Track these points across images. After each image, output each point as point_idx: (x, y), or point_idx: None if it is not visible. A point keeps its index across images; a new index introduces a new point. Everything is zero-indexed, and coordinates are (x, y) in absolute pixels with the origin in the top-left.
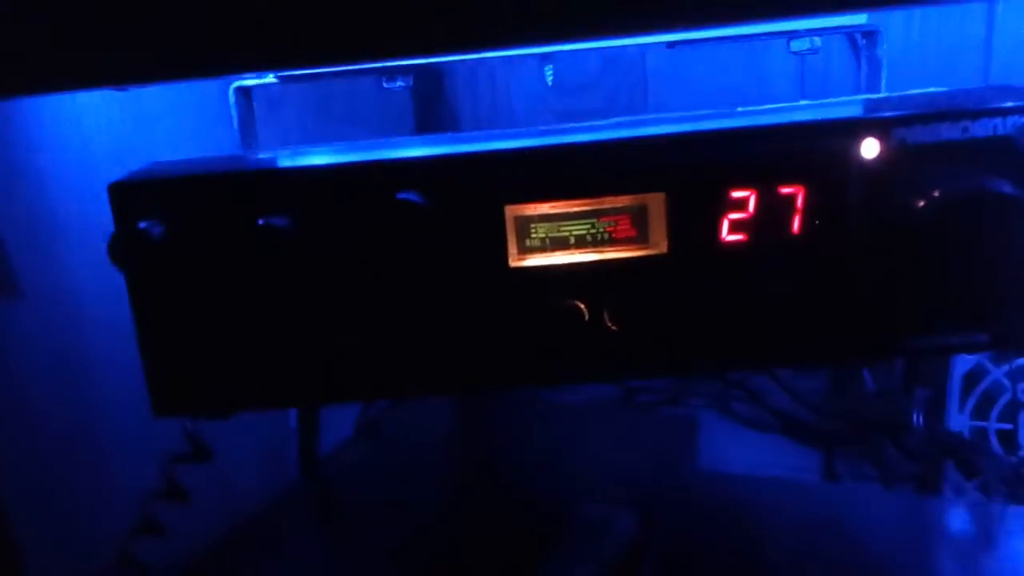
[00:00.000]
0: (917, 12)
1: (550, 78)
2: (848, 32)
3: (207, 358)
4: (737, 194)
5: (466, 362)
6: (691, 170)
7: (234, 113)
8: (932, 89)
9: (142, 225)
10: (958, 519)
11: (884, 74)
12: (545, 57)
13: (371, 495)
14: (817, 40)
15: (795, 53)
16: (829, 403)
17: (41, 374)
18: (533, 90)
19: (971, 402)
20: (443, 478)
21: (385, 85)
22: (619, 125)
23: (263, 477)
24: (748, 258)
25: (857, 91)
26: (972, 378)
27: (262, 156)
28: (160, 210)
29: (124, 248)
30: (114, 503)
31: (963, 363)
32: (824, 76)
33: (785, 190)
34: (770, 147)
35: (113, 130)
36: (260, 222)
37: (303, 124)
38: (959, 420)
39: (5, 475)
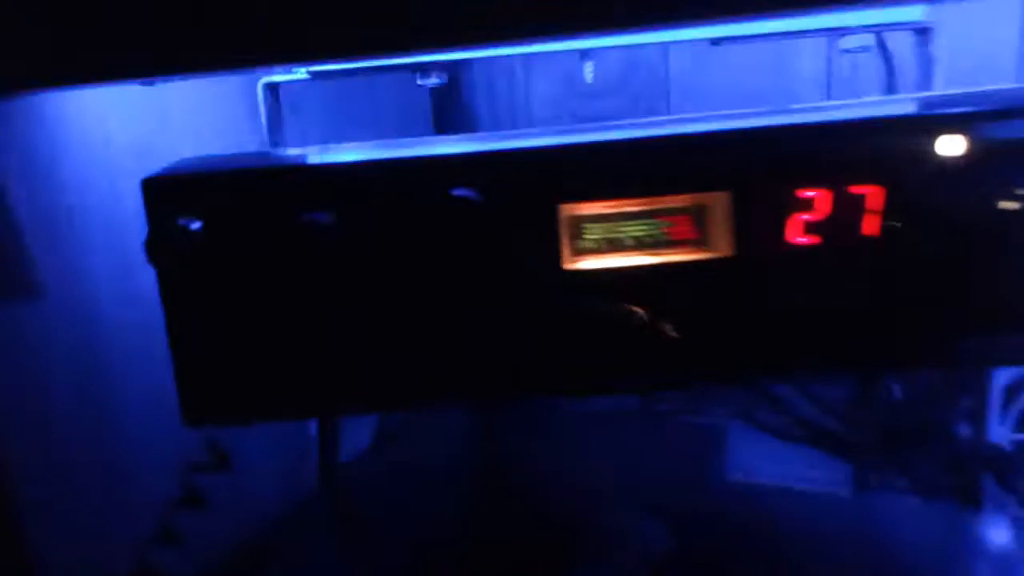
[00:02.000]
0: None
1: (590, 75)
2: (902, 29)
3: (244, 363)
4: (808, 193)
5: (516, 368)
6: (759, 168)
7: (263, 110)
8: (987, 87)
9: (180, 222)
10: (999, 534)
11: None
12: (584, 53)
13: (389, 505)
14: (869, 38)
15: (845, 51)
16: (855, 412)
17: (60, 377)
18: (552, 93)
19: (1013, 414)
20: (462, 489)
21: (419, 82)
22: (679, 120)
23: (282, 486)
24: (817, 261)
25: (886, 94)
26: (1014, 389)
27: (298, 152)
28: (198, 206)
29: (161, 245)
30: (132, 510)
31: (1005, 374)
32: (850, 80)
33: (859, 189)
34: (846, 144)
35: (135, 128)
36: (301, 219)
37: (323, 124)
38: (999, 432)
39: (22, 481)
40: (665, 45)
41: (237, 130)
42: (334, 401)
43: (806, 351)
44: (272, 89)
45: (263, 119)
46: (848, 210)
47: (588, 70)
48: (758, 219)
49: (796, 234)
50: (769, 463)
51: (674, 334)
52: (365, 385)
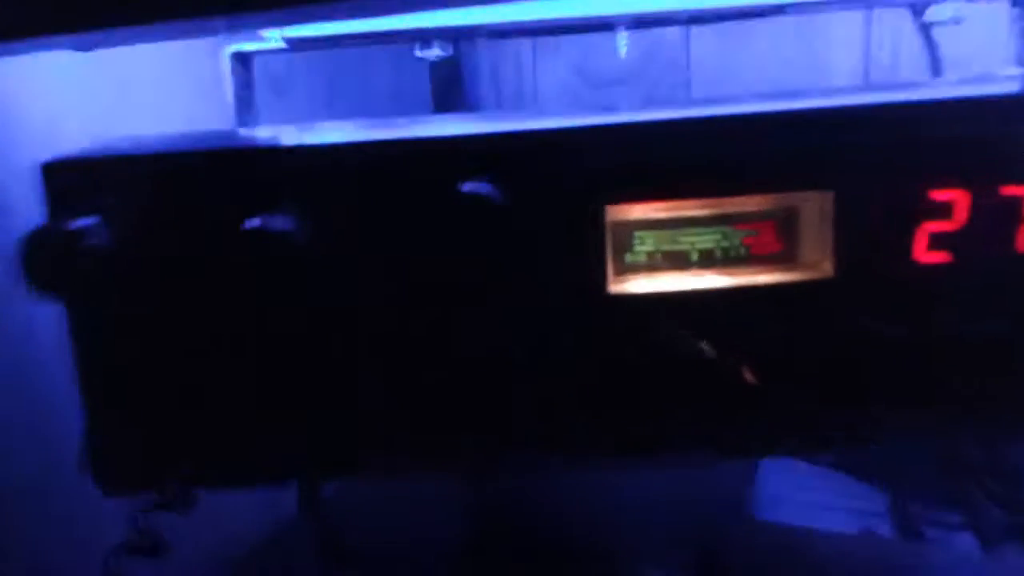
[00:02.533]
0: None
1: (624, 48)
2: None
3: (177, 414)
4: (941, 196)
5: (547, 425)
6: (878, 159)
7: (229, 83)
8: None
9: (80, 224)
10: None
11: None
12: (612, 26)
13: (380, 545)
14: (962, 7)
15: (929, 24)
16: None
17: None
18: (562, 81)
19: None
20: (463, 527)
21: (419, 54)
22: (760, 96)
23: (257, 518)
24: (951, 286)
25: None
26: None
27: (261, 133)
28: (109, 203)
29: (54, 258)
30: (82, 552)
31: None
32: (891, 70)
33: (1010, 191)
34: (994, 130)
35: (89, 104)
36: (254, 223)
37: (313, 109)
38: None
39: None
40: (687, 30)
41: (215, 109)
42: (300, 462)
43: (929, 405)
44: (242, 60)
45: (230, 95)
46: (996, 218)
47: (622, 43)
48: (873, 229)
49: (926, 250)
50: (798, 490)
51: (753, 381)
52: (342, 443)
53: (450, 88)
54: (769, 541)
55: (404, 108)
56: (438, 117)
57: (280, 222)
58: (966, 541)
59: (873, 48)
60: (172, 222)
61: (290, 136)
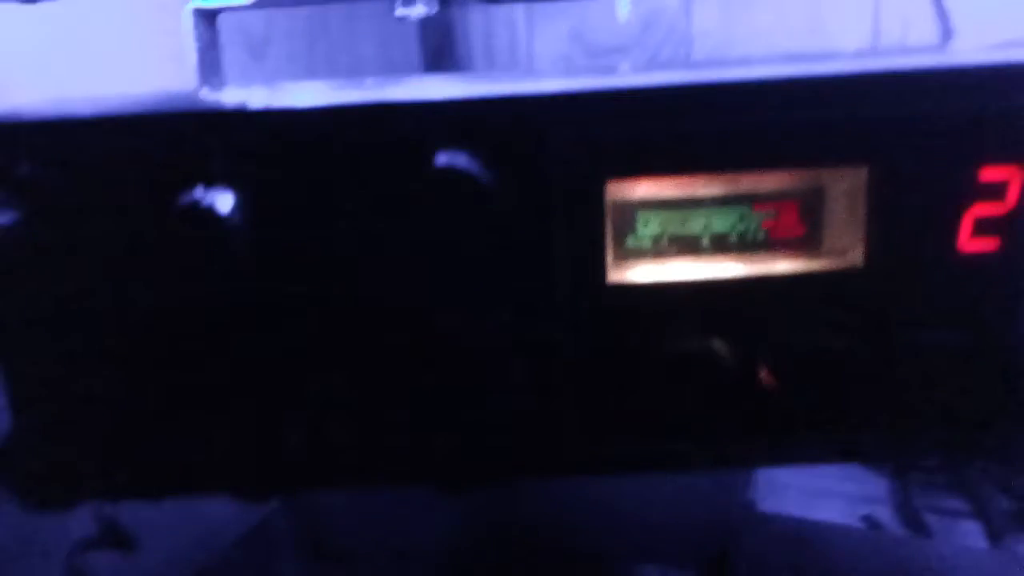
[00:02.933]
0: None
1: (625, 11)
2: None
3: (96, 417)
4: (992, 175)
5: (533, 433)
6: (921, 129)
7: (191, 43)
8: None
9: None
10: None
11: None
12: None
13: (368, 543)
14: None
15: None
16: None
17: None
18: (558, 49)
19: None
20: (452, 523)
21: (399, 12)
22: (778, 59)
23: (237, 512)
24: (999, 277)
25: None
26: None
27: (224, 96)
28: (16, 175)
29: None
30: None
31: None
32: (901, 43)
33: None
34: None
35: (36, 62)
36: (191, 197)
37: (292, 73)
38: None
39: None
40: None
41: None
42: (249, 478)
43: (973, 413)
44: (206, 18)
45: (195, 56)
46: None
47: (623, 7)
48: (911, 210)
49: (973, 236)
50: (799, 476)
51: (771, 383)
52: (294, 455)
53: (440, 56)
54: (773, 534)
55: (395, 74)
56: (417, 79)
57: (220, 199)
58: (971, 528)
59: (882, 18)
60: (93, 199)
61: (254, 99)
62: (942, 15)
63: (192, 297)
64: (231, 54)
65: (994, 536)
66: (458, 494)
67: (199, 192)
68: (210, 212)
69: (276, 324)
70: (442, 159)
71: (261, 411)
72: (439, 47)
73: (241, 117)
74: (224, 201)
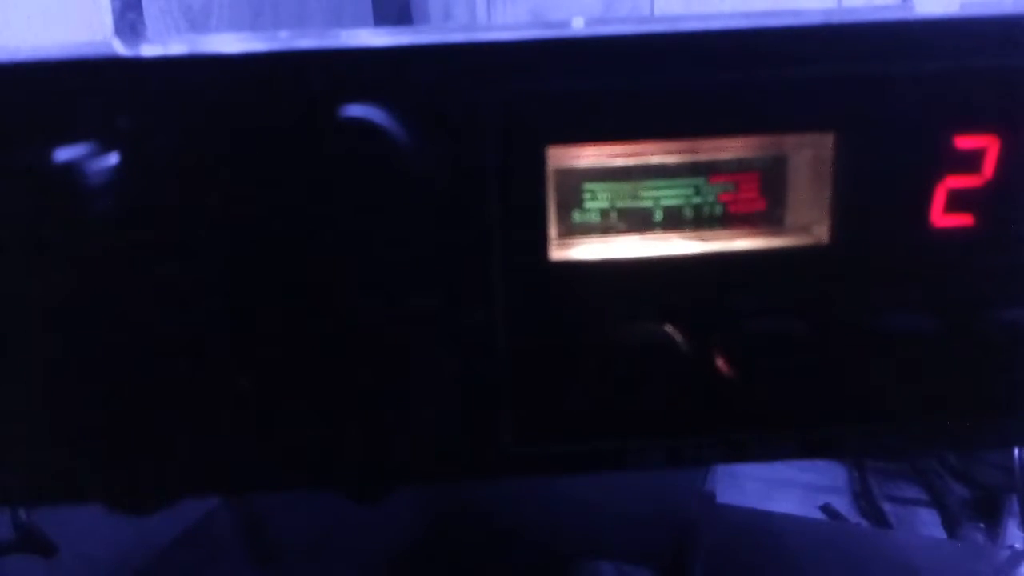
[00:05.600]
0: None
1: None
2: None
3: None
4: (967, 143)
5: (464, 431)
6: (884, 93)
7: (107, 2)
8: None
9: None
10: None
11: None
12: None
13: (320, 534)
14: None
15: None
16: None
17: None
18: (514, 21)
19: None
20: (403, 524)
21: None
22: (740, 17)
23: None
24: (973, 256)
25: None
26: None
27: (111, 46)
28: None
29: None
30: None
31: None
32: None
33: None
34: None
35: None
36: (58, 155)
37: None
38: None
39: None
40: None
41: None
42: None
43: (943, 401)
44: None
45: (108, 17)
46: None
47: None
48: (881, 182)
49: (946, 210)
50: (755, 466)
51: (727, 372)
52: (194, 457)
53: (393, 19)
54: (731, 526)
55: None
56: (336, 31)
57: (100, 157)
58: (929, 518)
59: None
60: None
61: (148, 50)
62: None
63: (64, 277)
64: (169, 24)
65: (951, 525)
66: (373, 502)
67: (75, 148)
68: (83, 171)
69: (163, 309)
70: (352, 111)
71: (150, 410)
72: (394, 23)
73: (127, 66)
74: (103, 161)
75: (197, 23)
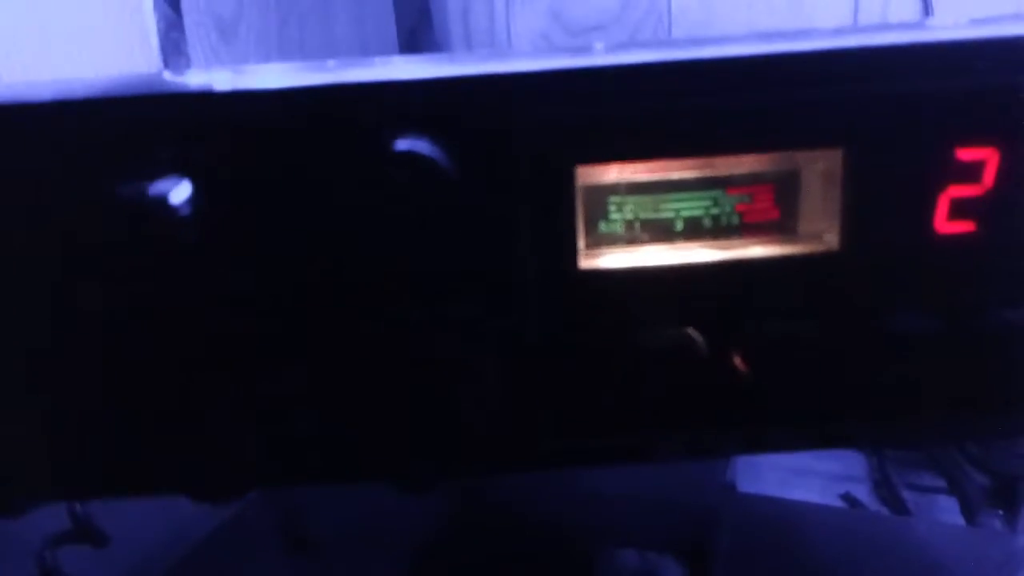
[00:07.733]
0: None
1: None
2: None
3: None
4: (974, 155)
5: (502, 427)
6: (890, 110)
7: (153, 23)
8: None
9: None
10: None
11: None
12: None
13: (349, 527)
14: None
15: None
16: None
17: None
18: (536, 27)
19: None
20: (432, 515)
21: None
22: (755, 37)
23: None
24: (975, 261)
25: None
26: None
27: (171, 77)
28: None
29: None
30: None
31: None
32: (882, 16)
33: None
34: None
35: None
36: (139, 187)
37: (264, 55)
38: None
39: None
40: None
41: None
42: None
43: (949, 400)
44: None
45: (153, 38)
46: None
47: None
48: (888, 192)
49: (949, 218)
50: (775, 455)
51: (745, 371)
52: (255, 454)
53: (417, 35)
54: (753, 515)
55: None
56: (381, 60)
57: (175, 188)
58: (948, 505)
59: None
60: (27, 189)
61: (217, 82)
62: None
63: (142, 294)
64: (202, 35)
65: (969, 512)
66: (422, 493)
67: (151, 183)
68: (162, 203)
69: (230, 319)
70: (402, 144)
71: (219, 410)
72: (415, 25)
73: (196, 101)
74: (179, 191)
75: (226, 34)
